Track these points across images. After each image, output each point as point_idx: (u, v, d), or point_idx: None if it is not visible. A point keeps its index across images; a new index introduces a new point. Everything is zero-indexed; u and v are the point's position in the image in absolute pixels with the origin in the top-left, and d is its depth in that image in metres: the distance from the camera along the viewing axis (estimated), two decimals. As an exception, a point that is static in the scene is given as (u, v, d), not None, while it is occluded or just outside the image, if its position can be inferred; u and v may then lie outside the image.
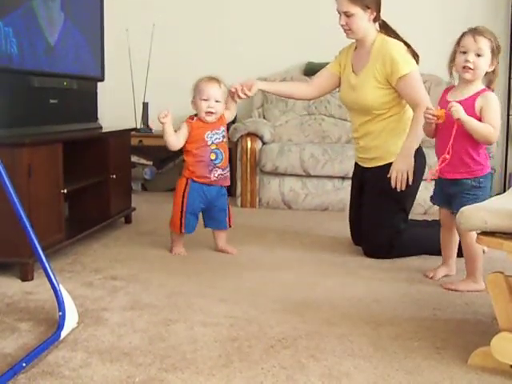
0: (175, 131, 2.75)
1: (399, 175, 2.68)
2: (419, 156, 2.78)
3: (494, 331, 1.71)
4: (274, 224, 3.55)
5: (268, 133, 4.12)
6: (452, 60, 2.35)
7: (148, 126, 4.54)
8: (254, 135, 4.07)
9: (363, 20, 2.75)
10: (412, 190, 2.79)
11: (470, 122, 2.24)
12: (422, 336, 1.91)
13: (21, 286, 2.33)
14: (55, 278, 1.88)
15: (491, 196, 2.19)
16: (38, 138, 2.52)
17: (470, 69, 2.28)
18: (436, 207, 2.58)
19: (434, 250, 2.68)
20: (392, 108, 2.81)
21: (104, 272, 2.53)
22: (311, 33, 4.54)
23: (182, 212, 2.78)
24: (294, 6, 4.62)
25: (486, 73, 2.32)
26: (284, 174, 4.01)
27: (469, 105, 2.28)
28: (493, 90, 2.33)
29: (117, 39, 4.53)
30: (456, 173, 2.35)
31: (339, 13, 2.77)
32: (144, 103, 4.60)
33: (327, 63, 3.07)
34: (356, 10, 2.72)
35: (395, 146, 2.76)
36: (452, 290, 2.36)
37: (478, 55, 2.27)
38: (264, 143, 4.08)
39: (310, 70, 4.30)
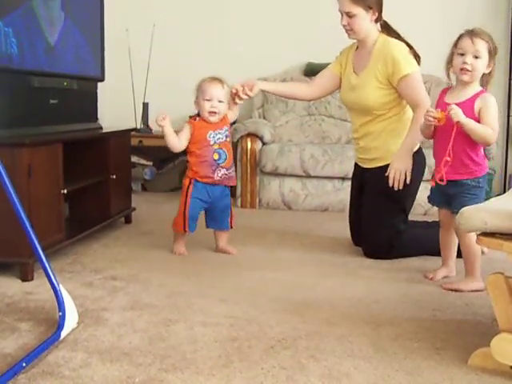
0: (176, 132, 2.76)
1: (397, 174, 2.68)
2: (419, 157, 2.78)
3: (493, 332, 1.71)
4: (274, 224, 3.55)
5: (268, 133, 4.12)
6: (449, 62, 2.35)
7: (148, 126, 4.54)
8: (254, 136, 4.06)
9: (365, 20, 2.75)
10: (412, 190, 2.79)
11: (470, 125, 2.24)
12: (422, 337, 1.91)
13: (21, 286, 2.33)
14: (55, 278, 1.88)
15: (491, 197, 2.20)
16: (38, 138, 2.51)
17: (468, 71, 2.28)
18: (436, 208, 2.58)
19: (434, 250, 2.67)
20: (392, 108, 2.82)
21: (104, 272, 2.53)
22: (311, 33, 4.55)
23: (184, 212, 2.78)
24: (293, 6, 4.62)
25: (483, 74, 2.32)
26: (284, 175, 4.01)
27: (467, 107, 2.28)
28: (486, 90, 2.34)
29: (117, 39, 4.52)
30: (456, 174, 2.35)
31: (341, 13, 2.77)
32: (144, 103, 4.60)
33: (327, 64, 3.07)
34: (358, 11, 2.72)
35: (395, 147, 2.76)
36: (452, 289, 2.36)
37: (476, 57, 2.27)
38: (264, 144, 4.08)
39: (310, 71, 4.31)
